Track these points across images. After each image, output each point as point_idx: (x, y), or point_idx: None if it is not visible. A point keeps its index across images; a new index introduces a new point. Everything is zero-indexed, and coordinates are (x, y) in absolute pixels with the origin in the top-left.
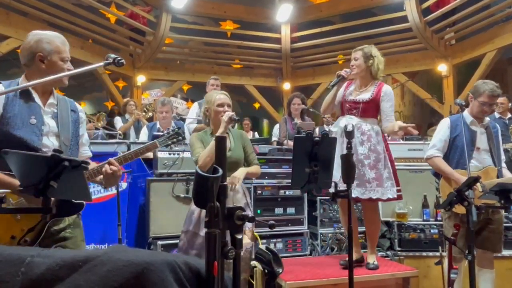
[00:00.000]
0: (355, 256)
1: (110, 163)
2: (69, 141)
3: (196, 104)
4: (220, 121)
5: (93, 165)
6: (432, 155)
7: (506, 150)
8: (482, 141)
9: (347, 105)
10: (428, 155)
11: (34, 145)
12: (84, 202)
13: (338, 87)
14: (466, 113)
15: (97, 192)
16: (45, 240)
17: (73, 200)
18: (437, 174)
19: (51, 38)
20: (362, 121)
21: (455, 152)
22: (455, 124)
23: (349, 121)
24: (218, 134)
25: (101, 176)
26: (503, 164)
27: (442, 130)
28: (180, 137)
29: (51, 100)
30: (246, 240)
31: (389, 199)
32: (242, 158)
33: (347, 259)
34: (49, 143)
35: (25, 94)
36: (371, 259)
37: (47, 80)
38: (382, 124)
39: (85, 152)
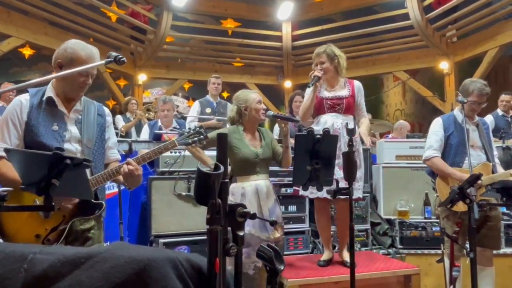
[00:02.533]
0: (327, 256)
1: (128, 163)
2: (92, 143)
3: (197, 102)
4: (259, 117)
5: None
6: (431, 156)
7: (508, 148)
8: (475, 138)
9: (329, 102)
10: (427, 156)
11: (60, 147)
12: (104, 203)
13: (315, 90)
14: (457, 111)
15: None
16: (70, 239)
17: (92, 200)
18: (433, 173)
19: (76, 48)
20: (346, 118)
21: (450, 151)
22: (447, 123)
23: (334, 119)
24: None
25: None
26: (496, 160)
27: (436, 130)
28: (202, 136)
29: (76, 106)
30: (277, 235)
31: (358, 199)
32: (271, 156)
33: (323, 258)
34: (72, 149)
35: (50, 102)
36: (347, 257)
37: (34, 82)
38: (358, 119)
39: (113, 155)
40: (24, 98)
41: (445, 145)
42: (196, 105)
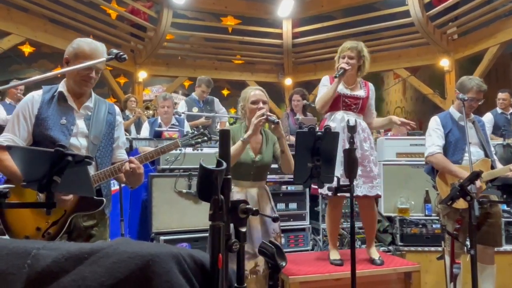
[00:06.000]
0: (338, 254)
1: (130, 161)
2: (99, 140)
3: (183, 102)
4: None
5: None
6: (434, 152)
7: (508, 145)
8: (472, 135)
9: (346, 100)
10: (430, 152)
11: (62, 144)
12: (104, 199)
13: (339, 83)
14: (452, 109)
15: None
16: (74, 235)
17: (94, 197)
18: (432, 172)
19: (80, 44)
20: (358, 117)
21: (449, 148)
22: (445, 121)
23: (349, 117)
24: (245, 136)
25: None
26: (494, 157)
27: (435, 128)
28: (206, 137)
29: (87, 103)
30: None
31: (375, 196)
32: (270, 162)
33: (338, 257)
34: (77, 143)
35: (61, 97)
36: (376, 254)
37: (38, 78)
38: (367, 120)
39: (120, 155)
40: (37, 93)
41: (444, 142)
42: (182, 105)
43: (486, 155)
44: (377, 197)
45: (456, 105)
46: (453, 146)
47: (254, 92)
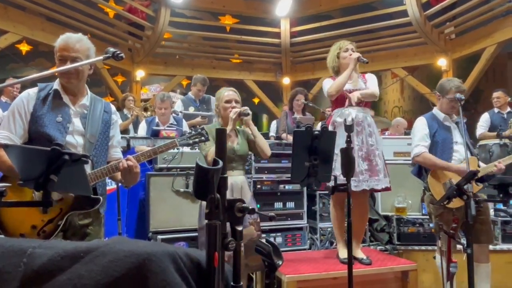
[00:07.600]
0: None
1: (127, 159)
2: (95, 139)
3: (179, 102)
4: (227, 116)
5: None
6: (420, 151)
7: (505, 145)
8: (456, 135)
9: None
10: (416, 152)
11: (58, 142)
12: (100, 198)
13: (352, 69)
14: (436, 110)
15: None
16: (69, 234)
17: (90, 196)
18: (419, 173)
19: (58, 40)
20: (364, 112)
21: (436, 148)
22: (430, 121)
23: (357, 113)
24: (228, 130)
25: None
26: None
27: (421, 128)
28: (203, 137)
29: (83, 101)
30: (251, 231)
31: (383, 189)
32: (247, 152)
33: (346, 256)
34: (74, 141)
35: (56, 95)
36: (361, 254)
37: (35, 77)
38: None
39: (115, 154)
40: (32, 91)
41: (432, 143)
42: (179, 105)
43: (472, 154)
44: (386, 190)
45: (439, 106)
46: (441, 146)
47: (227, 92)
